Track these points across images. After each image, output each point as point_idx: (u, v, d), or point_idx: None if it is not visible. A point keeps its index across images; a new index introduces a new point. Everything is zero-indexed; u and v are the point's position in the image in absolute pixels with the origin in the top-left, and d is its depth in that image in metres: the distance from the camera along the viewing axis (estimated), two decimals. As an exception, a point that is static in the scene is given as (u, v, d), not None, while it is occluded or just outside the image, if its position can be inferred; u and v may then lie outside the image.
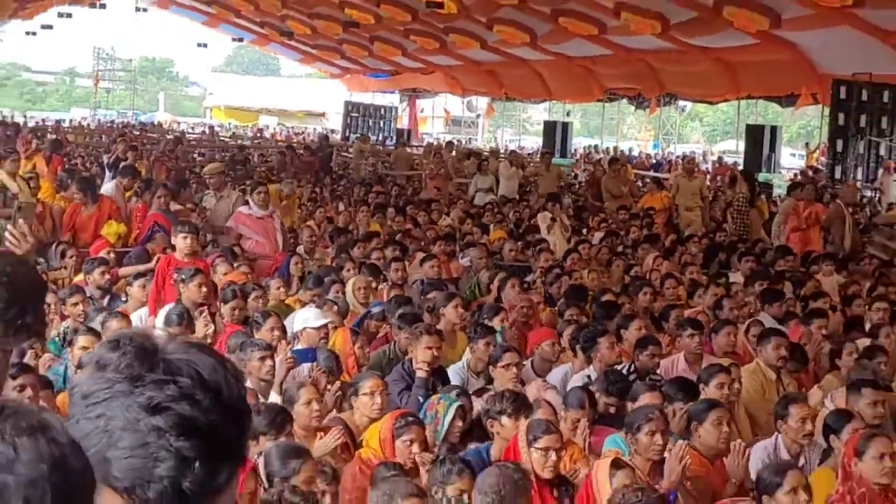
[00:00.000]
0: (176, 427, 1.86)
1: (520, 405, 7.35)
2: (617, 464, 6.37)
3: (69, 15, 45.39)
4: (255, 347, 8.37)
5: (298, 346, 9.29)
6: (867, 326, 11.46)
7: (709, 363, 9.29)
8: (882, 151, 25.57)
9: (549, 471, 6.56)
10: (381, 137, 44.91)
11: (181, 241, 11.53)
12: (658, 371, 9.48)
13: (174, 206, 15.20)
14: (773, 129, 32.73)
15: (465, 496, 5.89)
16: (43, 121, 51.06)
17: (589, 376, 9.10)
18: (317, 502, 6.09)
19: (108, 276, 11.40)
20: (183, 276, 10.26)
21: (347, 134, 46.03)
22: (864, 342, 10.41)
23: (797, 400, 8.01)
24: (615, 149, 44.79)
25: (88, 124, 52.39)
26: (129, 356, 1.94)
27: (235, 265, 12.47)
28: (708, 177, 27.91)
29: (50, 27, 47.80)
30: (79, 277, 11.71)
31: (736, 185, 23.62)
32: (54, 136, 31.75)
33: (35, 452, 1.66)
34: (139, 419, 1.86)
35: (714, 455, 7.10)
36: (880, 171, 25.18)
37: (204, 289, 10.21)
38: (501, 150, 37.71)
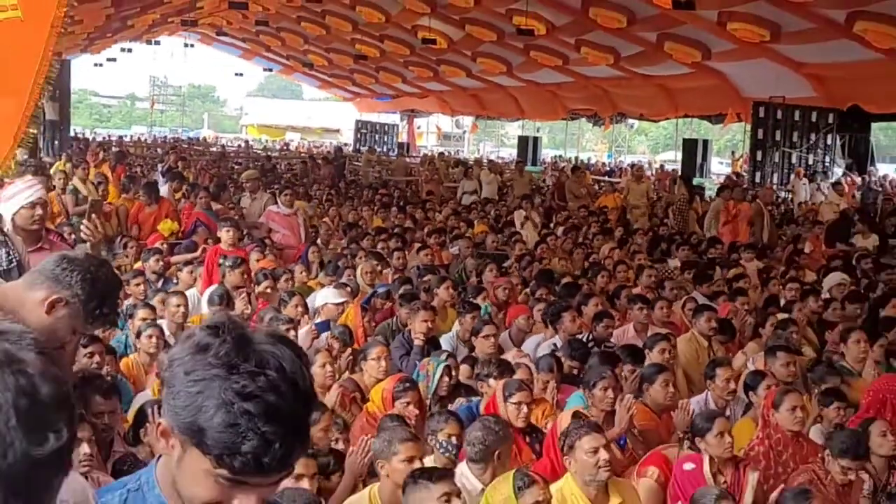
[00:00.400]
0: (264, 414, 1.94)
1: (503, 369, 7.40)
2: (577, 415, 6.38)
3: (130, 50, 45.28)
4: (282, 321, 8.43)
5: (319, 320, 9.32)
6: (782, 303, 11.45)
7: (653, 332, 9.32)
8: (793, 160, 25.69)
9: (521, 421, 6.60)
10: (385, 149, 44.85)
11: (225, 234, 11.68)
12: (612, 339, 9.52)
13: (215, 206, 15.19)
14: (705, 142, 32.81)
15: (454, 438, 5.94)
16: (108, 136, 50.91)
17: (555, 344, 9.14)
18: (332, 448, 6.13)
19: (161, 263, 11.42)
20: (229, 263, 10.31)
21: (358, 147, 46.00)
22: (781, 315, 10.44)
23: (722, 363, 8.05)
24: (576, 158, 44.70)
25: (146, 139, 52.26)
26: (228, 345, 2.01)
27: (266, 254, 12.48)
28: (653, 179, 27.86)
29: (114, 60, 47.68)
30: (138, 264, 11.73)
31: (676, 188, 23.67)
32: (118, 149, 31.77)
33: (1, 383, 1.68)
34: (234, 402, 1.94)
35: (661, 410, 7.14)
36: (792, 177, 25.28)
37: (245, 275, 10.28)
38: (484, 160, 37.65)
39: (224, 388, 2.00)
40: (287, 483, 4.29)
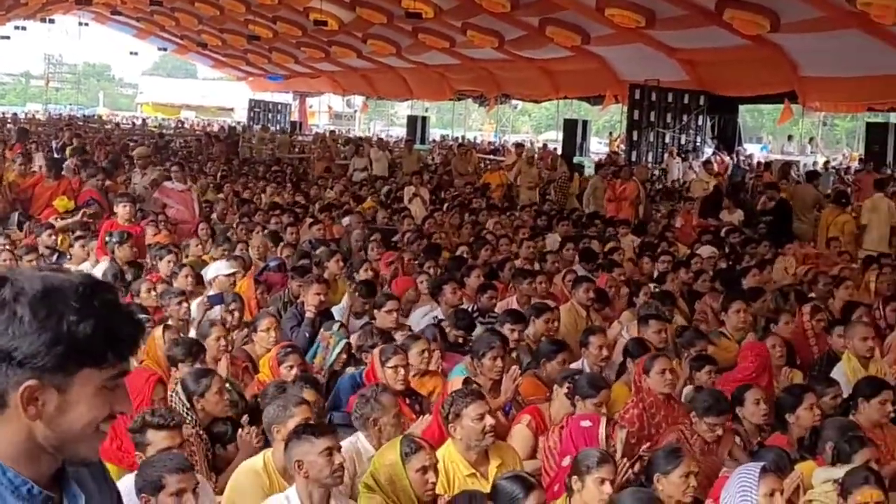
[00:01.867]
0: (110, 305, 2.04)
1: (385, 339, 7.41)
2: (468, 381, 6.40)
3: (24, 28, 44.12)
4: (173, 294, 8.45)
5: (212, 292, 9.21)
6: (655, 275, 11.61)
7: (536, 302, 9.40)
8: (667, 140, 26.05)
9: (399, 384, 6.62)
10: (278, 128, 44.42)
11: (121, 209, 11.63)
12: (496, 310, 9.57)
13: (108, 183, 14.98)
14: (585, 123, 33.01)
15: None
16: (3, 114, 49.59)
17: (436, 316, 9.17)
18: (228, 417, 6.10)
19: (54, 238, 11.22)
20: (116, 239, 10.22)
21: (251, 125, 45.52)
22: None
23: (594, 332, 8.16)
24: (463, 137, 44.80)
25: (40, 117, 51.07)
26: (36, 282, 2.00)
27: (161, 229, 12.33)
28: (537, 156, 28.00)
29: (7, 38, 46.41)
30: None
31: (557, 167, 23.88)
32: (21, 127, 31.19)
33: None
34: (88, 311, 1.97)
35: (552, 382, 7.13)
36: (665, 156, 25.64)
37: (133, 248, 10.15)
38: (374, 139, 37.55)
39: (68, 308, 1.95)
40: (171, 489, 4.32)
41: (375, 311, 8.81)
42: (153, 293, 8.90)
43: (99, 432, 2.09)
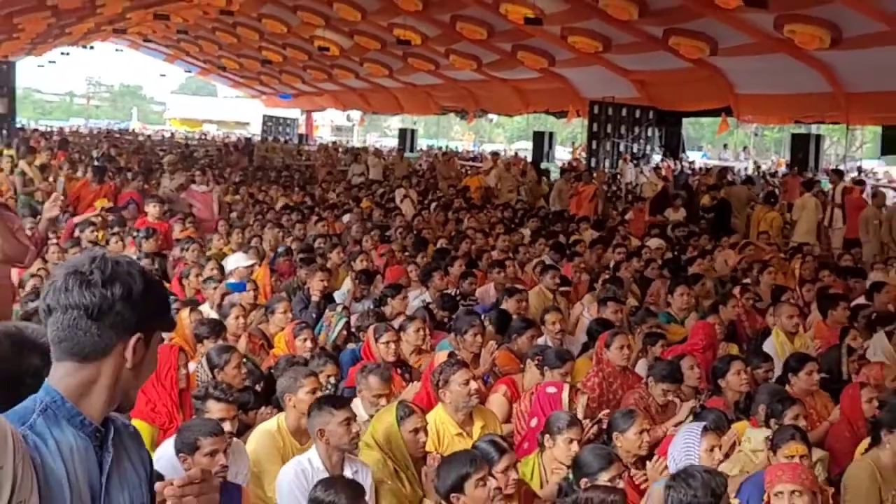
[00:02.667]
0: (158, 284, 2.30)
1: (379, 319, 7.46)
2: (451, 355, 6.42)
3: (68, 53, 43.90)
4: (211, 280, 8.74)
5: (232, 280, 9.20)
6: (612, 264, 11.64)
7: (509, 286, 9.44)
8: (621, 149, 26.07)
9: (391, 356, 6.68)
10: (287, 140, 44.34)
11: (151, 209, 11.63)
12: (475, 295, 9.60)
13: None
14: (551, 134, 33.06)
15: (332, 378, 6.08)
16: (49, 127, 49.34)
17: (424, 299, 9.20)
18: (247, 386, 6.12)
19: (95, 234, 11.17)
20: (143, 235, 10.33)
21: (265, 137, 45.41)
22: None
23: (550, 310, 8.23)
24: (446, 146, 44.86)
25: (82, 130, 50.85)
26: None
27: (187, 226, 12.33)
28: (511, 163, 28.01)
29: (54, 62, 46.22)
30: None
31: (528, 171, 23.91)
32: (60, 137, 31.14)
33: None
34: (151, 281, 2.27)
35: (523, 356, 7.15)
36: (620, 162, 25.67)
37: (158, 241, 10.17)
38: (370, 148, 37.54)
39: (148, 281, 2.20)
40: (206, 450, 4.38)
41: (390, 299, 8.82)
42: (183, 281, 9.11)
43: None
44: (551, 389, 6.17)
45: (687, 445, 5.29)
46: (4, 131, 26.57)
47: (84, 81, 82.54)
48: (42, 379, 2.23)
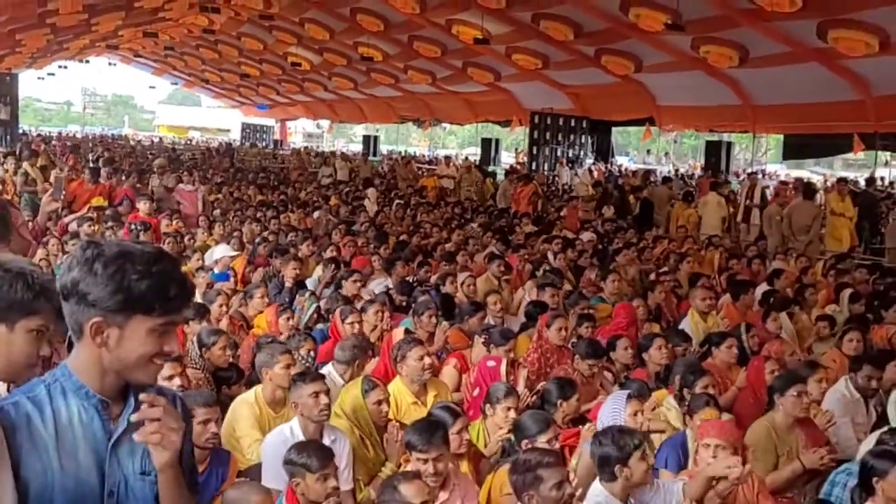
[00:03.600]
0: (169, 271, 2.14)
1: (345, 302, 7.46)
2: (408, 332, 6.43)
3: (65, 67, 43.13)
4: (202, 270, 8.85)
5: (217, 271, 9.15)
6: (549, 256, 11.71)
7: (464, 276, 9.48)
8: (559, 154, 26.17)
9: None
10: (264, 145, 44.02)
11: (143, 205, 11.54)
12: (430, 281, 9.62)
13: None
14: (497, 141, 33.07)
15: (311, 352, 6.02)
16: (49, 133, 48.52)
17: (387, 285, 9.20)
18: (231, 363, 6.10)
19: (93, 228, 11.04)
20: (140, 228, 10.16)
21: (244, 142, 45.02)
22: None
23: (491, 293, 8.33)
24: (405, 151, 44.76)
25: (78, 136, 50.07)
26: (113, 247, 2.11)
27: (174, 220, 12.21)
28: (459, 167, 28.04)
29: (53, 74, 45.35)
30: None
31: (471, 172, 23.96)
32: (74, 143, 30.95)
33: None
34: (146, 270, 2.09)
35: (472, 334, 7.17)
36: (557, 166, 25.79)
37: (154, 234, 10.08)
38: (337, 153, 37.36)
39: (132, 269, 2.07)
40: (199, 419, 4.33)
41: (343, 281, 8.83)
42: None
43: (153, 364, 2.19)
44: (491, 363, 6.22)
45: (614, 410, 5.36)
46: (8, 136, 26.27)
47: (80, 92, 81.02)
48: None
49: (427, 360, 5.67)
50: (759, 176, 26.65)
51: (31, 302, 2.31)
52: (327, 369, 5.92)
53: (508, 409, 5.23)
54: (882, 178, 26.62)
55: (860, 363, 6.46)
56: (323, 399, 4.75)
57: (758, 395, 6.41)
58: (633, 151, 49.47)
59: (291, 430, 4.77)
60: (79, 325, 2.14)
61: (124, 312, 2.12)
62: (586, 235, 13.99)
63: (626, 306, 8.32)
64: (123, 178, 15.47)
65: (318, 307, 7.83)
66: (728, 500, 4.41)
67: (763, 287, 9.95)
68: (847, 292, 9.55)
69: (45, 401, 2.16)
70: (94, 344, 2.13)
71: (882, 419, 6.05)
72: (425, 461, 4.28)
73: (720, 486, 4.33)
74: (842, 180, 18.43)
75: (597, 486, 4.31)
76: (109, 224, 11.35)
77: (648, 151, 38.70)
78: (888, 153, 24.36)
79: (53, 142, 33.96)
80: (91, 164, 18.29)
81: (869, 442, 4.99)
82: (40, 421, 2.14)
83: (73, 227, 11.24)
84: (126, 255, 2.11)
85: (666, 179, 23.44)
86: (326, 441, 4.67)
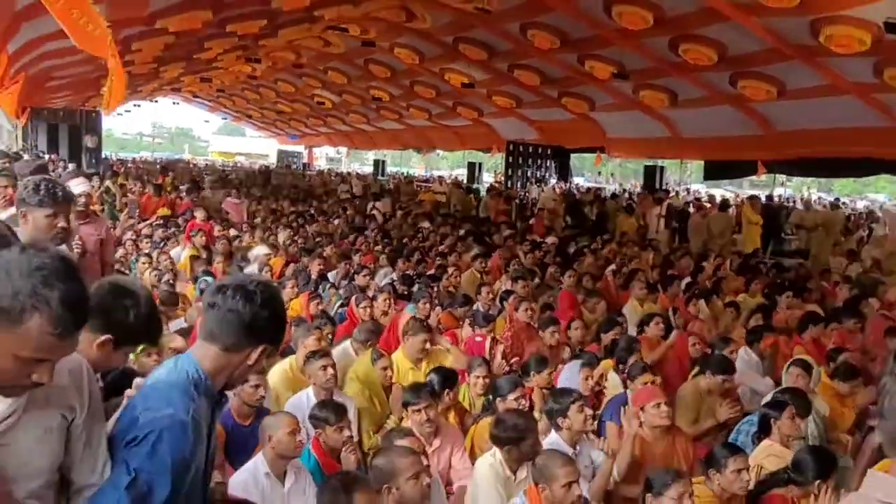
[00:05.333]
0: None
1: (360, 291, 7.53)
2: (414, 318, 6.47)
3: (139, 105, 42.97)
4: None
5: (253, 265, 9.13)
6: (521, 256, 11.72)
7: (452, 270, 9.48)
8: (528, 174, 26.20)
9: (366, 317, 6.79)
10: (295, 167, 43.98)
11: (199, 214, 11.43)
12: (426, 275, 9.61)
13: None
14: (480, 164, 33.08)
15: (330, 334, 6.11)
16: (126, 158, 48.40)
17: (392, 278, 9.23)
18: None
19: (161, 231, 11.04)
20: (197, 235, 10.15)
21: (279, 165, 44.93)
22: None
23: (482, 286, 8.40)
24: (407, 172, 44.75)
25: (148, 160, 49.95)
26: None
27: (224, 227, 12.23)
28: (449, 185, 28.01)
29: (129, 111, 45.22)
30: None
31: (459, 189, 23.98)
32: (162, 165, 30.98)
33: None
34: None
35: (462, 317, 7.21)
36: (528, 184, 25.82)
37: (204, 240, 10.09)
38: (353, 173, 37.35)
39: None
40: (252, 383, 4.27)
41: (356, 274, 8.84)
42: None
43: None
44: (478, 339, 6.28)
45: (570, 375, 5.41)
46: (94, 160, 26.21)
47: (150, 125, 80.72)
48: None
49: (427, 345, 5.71)
50: (685, 192, 26.84)
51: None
52: (345, 345, 5.95)
53: (478, 376, 5.32)
54: (779, 196, 26.95)
55: (757, 335, 6.63)
56: (329, 371, 4.78)
57: (682, 363, 6.48)
58: (587, 173, 49.50)
59: (308, 395, 4.81)
60: (242, 346, 2.13)
61: (271, 342, 2.17)
62: (550, 239, 14.03)
63: (567, 294, 8.44)
64: (184, 193, 15.43)
65: (342, 302, 7.80)
66: (668, 445, 4.44)
67: (687, 280, 10.03)
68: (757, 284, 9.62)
69: (198, 399, 2.12)
70: (245, 361, 2.13)
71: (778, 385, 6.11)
72: (417, 411, 4.32)
73: (657, 430, 4.37)
74: (754, 197, 18.53)
75: (553, 435, 4.36)
76: (172, 230, 11.39)
77: (599, 173, 38.61)
78: (783, 176, 24.70)
79: (129, 164, 33.87)
80: (155, 183, 18.30)
81: (767, 399, 5.06)
82: (199, 414, 2.10)
83: (145, 231, 11.26)
84: (279, 298, 2.18)
85: (614, 196, 23.51)
86: (337, 403, 4.73)
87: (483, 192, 24.85)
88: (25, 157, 13.73)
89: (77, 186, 5.17)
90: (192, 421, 1.99)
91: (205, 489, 2.19)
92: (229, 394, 2.37)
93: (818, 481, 3.71)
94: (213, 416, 2.16)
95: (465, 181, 30.53)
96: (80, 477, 1.92)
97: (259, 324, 2.04)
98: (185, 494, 2.00)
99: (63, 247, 3.75)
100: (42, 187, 3.48)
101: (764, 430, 4.58)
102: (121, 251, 8.75)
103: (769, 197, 23.09)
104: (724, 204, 17.73)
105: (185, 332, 5.24)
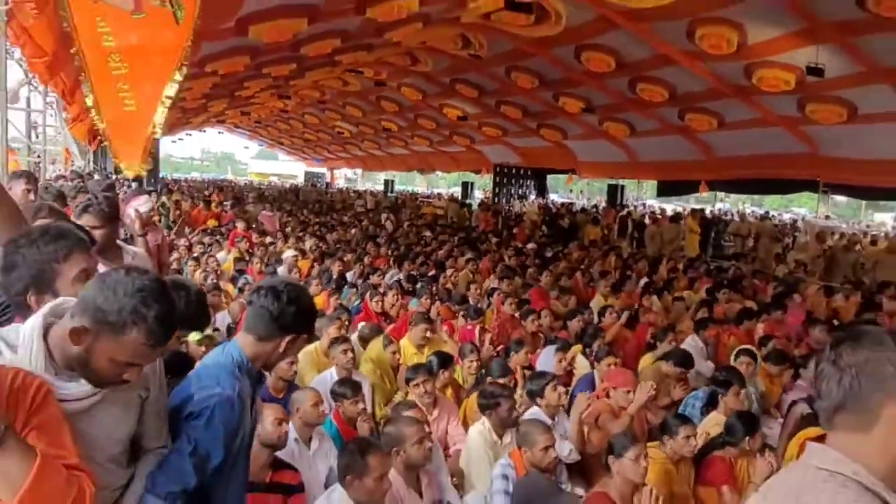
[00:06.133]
0: None
1: (373, 288, 7.39)
2: (421, 313, 6.44)
3: (190, 134, 42.93)
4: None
5: (283, 268, 9.08)
6: (506, 259, 11.60)
7: (450, 272, 9.42)
8: (512, 192, 26.19)
9: (378, 309, 6.69)
10: (319, 185, 43.92)
11: (241, 225, 11.40)
12: (428, 274, 9.54)
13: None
14: (472, 183, 33.13)
15: (347, 323, 5.93)
16: (179, 178, 48.30)
17: (399, 277, 9.09)
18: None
19: (207, 239, 10.97)
20: (241, 241, 10.08)
21: (306, 184, 44.86)
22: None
23: (472, 283, 8.20)
24: (412, 190, 44.66)
25: (197, 179, 49.82)
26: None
27: (260, 234, 12.18)
28: (447, 200, 27.95)
29: (181, 139, 45.19)
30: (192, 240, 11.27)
31: (455, 204, 23.92)
32: (215, 185, 30.89)
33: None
34: None
35: (457, 311, 7.14)
36: (512, 199, 25.81)
37: (247, 245, 10.02)
38: (368, 191, 37.30)
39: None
40: (288, 360, 4.27)
41: (370, 275, 8.78)
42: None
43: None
44: (469, 327, 6.27)
45: (546, 359, 5.40)
46: (153, 179, 26.15)
47: (199, 150, 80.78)
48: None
49: (428, 333, 5.70)
50: (642, 207, 26.83)
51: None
52: (353, 336, 5.91)
53: (470, 360, 5.30)
54: (719, 209, 27.00)
55: (702, 325, 6.62)
56: (349, 354, 4.77)
57: (640, 346, 6.47)
58: (561, 190, 49.57)
59: (331, 374, 4.79)
60: (271, 335, 2.11)
61: (301, 333, 2.15)
62: (530, 245, 14.02)
63: (538, 290, 8.42)
64: (228, 207, 15.38)
65: (362, 298, 7.69)
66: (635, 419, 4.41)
67: (644, 280, 10.03)
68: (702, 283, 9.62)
69: (243, 379, 2.11)
70: (277, 349, 2.12)
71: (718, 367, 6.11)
72: (417, 385, 4.33)
73: (625, 410, 4.32)
74: (695, 210, 18.54)
75: (534, 408, 4.35)
76: (217, 237, 11.34)
77: (570, 191, 38.69)
78: (722, 193, 24.72)
79: (181, 183, 33.80)
80: (204, 199, 18.25)
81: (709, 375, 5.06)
82: (244, 393, 2.11)
83: (195, 239, 11.22)
84: (307, 297, 2.16)
85: (583, 210, 23.49)
86: (355, 381, 4.71)
87: (475, 207, 24.84)
88: (96, 176, 13.67)
89: (143, 205, 5.17)
90: (238, 397, 2.02)
91: (248, 452, 2.21)
92: (267, 374, 2.36)
93: (747, 438, 3.80)
94: (254, 392, 2.18)
95: (459, 197, 30.48)
96: (150, 442, 1.95)
97: (285, 318, 2.07)
98: (234, 457, 2.04)
99: (142, 249, 3.75)
100: (89, 207, 3.41)
101: (712, 404, 4.59)
102: (175, 255, 8.70)
103: (710, 212, 23.11)
104: (675, 216, 17.76)
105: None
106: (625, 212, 20.12)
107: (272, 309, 2.06)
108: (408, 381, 4.41)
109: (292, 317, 2.08)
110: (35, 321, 1.65)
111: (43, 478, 1.35)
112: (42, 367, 1.60)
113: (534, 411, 4.25)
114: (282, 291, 2.08)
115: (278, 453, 3.29)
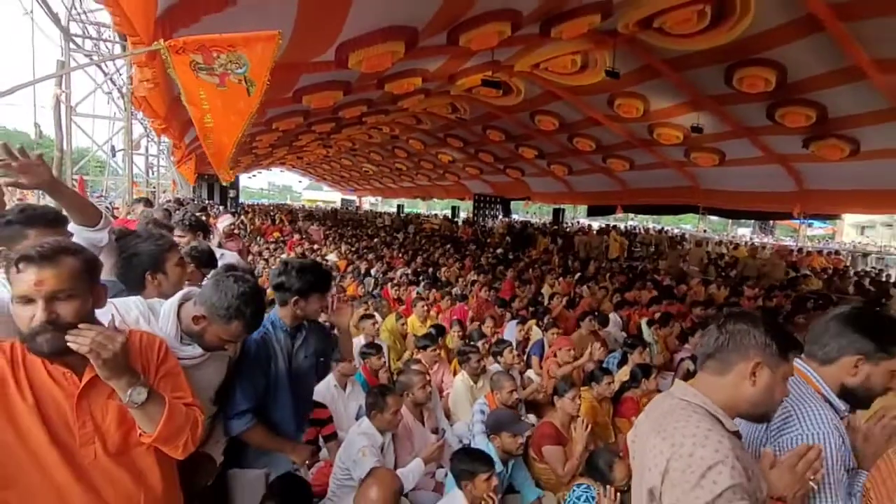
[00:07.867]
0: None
1: (389, 280, 7.26)
2: (420, 297, 6.35)
3: (260, 172, 42.59)
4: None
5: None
6: (482, 260, 11.56)
7: (443, 269, 9.30)
8: (487, 213, 25.95)
9: (395, 296, 6.59)
10: (351, 208, 43.62)
11: (296, 235, 11.22)
12: (429, 273, 9.43)
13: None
14: (459, 207, 33.00)
15: (371, 305, 5.81)
16: (253, 203, 47.81)
17: (407, 272, 8.91)
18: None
19: (272, 247, 10.77)
20: (299, 248, 9.90)
21: (342, 207, 44.53)
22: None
23: (461, 276, 8.11)
24: (416, 211, 44.36)
25: (265, 205, 49.29)
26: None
27: (309, 242, 12.03)
28: (441, 219, 27.74)
29: (255, 175, 44.79)
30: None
31: (446, 221, 23.71)
32: (286, 210, 30.34)
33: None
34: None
35: (455, 299, 6.89)
36: (487, 219, 25.63)
37: (301, 249, 9.88)
38: (385, 213, 37.06)
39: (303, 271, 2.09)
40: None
41: (388, 272, 8.68)
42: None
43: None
44: (457, 308, 6.21)
45: (510, 329, 5.34)
46: (234, 204, 25.98)
47: (266, 183, 79.86)
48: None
49: (425, 310, 5.67)
50: (576, 223, 26.81)
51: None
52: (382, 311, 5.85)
53: (456, 331, 5.26)
54: (631, 225, 27.14)
55: (619, 306, 6.61)
56: (375, 326, 4.70)
57: (576, 320, 6.42)
58: (520, 212, 49.65)
59: (360, 340, 4.75)
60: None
61: (308, 294, 2.11)
62: (499, 250, 13.99)
63: (509, 282, 8.30)
64: (287, 223, 15.23)
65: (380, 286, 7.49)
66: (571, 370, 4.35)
67: (578, 274, 10.03)
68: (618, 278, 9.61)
69: (272, 333, 2.13)
70: (307, 306, 2.11)
71: (630, 336, 6.10)
72: (421, 350, 4.32)
73: (569, 364, 4.23)
74: (615, 226, 18.61)
75: (495, 365, 4.34)
76: (276, 246, 11.22)
77: (527, 212, 38.66)
78: (632, 213, 24.81)
79: (255, 206, 33.51)
80: (271, 217, 18.06)
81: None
82: (274, 342, 2.12)
83: (264, 246, 11.06)
84: (315, 268, 2.14)
85: (536, 227, 23.43)
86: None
87: (461, 223, 24.73)
88: (194, 202, 13.53)
89: (226, 220, 5.13)
90: (262, 340, 2.09)
91: (291, 384, 2.18)
92: (305, 325, 2.30)
93: (644, 380, 3.87)
94: (293, 342, 2.20)
95: (450, 216, 30.37)
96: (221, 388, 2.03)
97: (288, 283, 2.12)
98: (274, 384, 2.09)
99: (232, 252, 3.72)
100: (179, 222, 3.37)
101: (625, 361, 4.62)
102: (250, 257, 8.63)
103: (626, 227, 23.07)
104: (600, 230, 17.76)
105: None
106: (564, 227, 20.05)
107: (281, 280, 2.14)
108: (423, 347, 4.39)
109: (293, 282, 2.12)
110: (173, 301, 1.72)
111: (171, 415, 1.44)
112: (173, 335, 1.68)
113: (495, 366, 4.27)
114: (287, 268, 2.13)
115: (321, 397, 3.29)
